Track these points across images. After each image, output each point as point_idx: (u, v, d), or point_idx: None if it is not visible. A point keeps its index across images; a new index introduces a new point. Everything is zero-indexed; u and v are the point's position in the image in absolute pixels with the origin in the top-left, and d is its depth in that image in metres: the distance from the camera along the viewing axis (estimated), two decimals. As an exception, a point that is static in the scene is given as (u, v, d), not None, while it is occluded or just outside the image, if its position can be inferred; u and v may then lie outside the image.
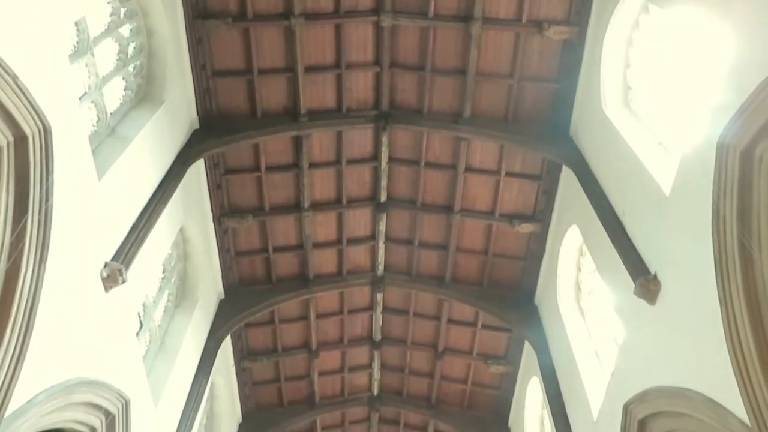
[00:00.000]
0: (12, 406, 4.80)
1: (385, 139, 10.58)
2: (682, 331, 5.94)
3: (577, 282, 10.22)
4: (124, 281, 6.71)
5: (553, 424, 9.81)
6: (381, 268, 12.19)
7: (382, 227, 11.66)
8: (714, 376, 5.27)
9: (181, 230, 9.65)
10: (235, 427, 13.03)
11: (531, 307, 11.55)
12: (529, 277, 11.58)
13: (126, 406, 7.02)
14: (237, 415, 13.11)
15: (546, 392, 10.27)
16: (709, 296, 5.24)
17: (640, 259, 6.88)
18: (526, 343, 11.67)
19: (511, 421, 13.16)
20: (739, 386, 4.73)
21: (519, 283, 11.78)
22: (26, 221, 4.99)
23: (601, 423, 8.04)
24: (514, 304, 11.64)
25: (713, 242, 5.09)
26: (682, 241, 6.01)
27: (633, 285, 6.70)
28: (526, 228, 10.95)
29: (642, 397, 6.58)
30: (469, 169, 10.71)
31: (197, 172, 9.83)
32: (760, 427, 4.56)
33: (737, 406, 4.87)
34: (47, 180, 5.23)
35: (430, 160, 10.88)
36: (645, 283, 6.52)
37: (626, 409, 6.89)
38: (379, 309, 12.81)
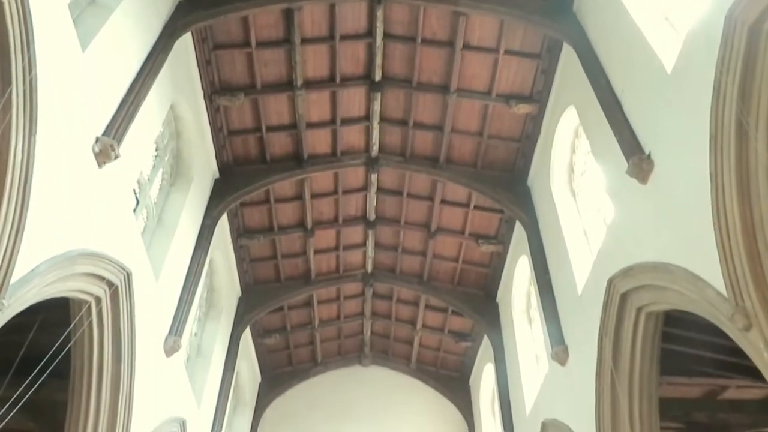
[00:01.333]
0: (16, 275, 4.96)
1: (380, 14, 10.11)
2: (671, 210, 6.06)
3: (571, 164, 10.26)
4: (117, 157, 6.69)
5: (539, 298, 10.28)
6: (375, 148, 12.14)
7: (377, 107, 11.47)
8: (697, 251, 5.45)
9: (172, 107, 9.46)
10: (235, 301, 13.60)
11: (524, 188, 11.68)
12: (523, 158, 11.61)
13: (128, 277, 7.26)
14: (236, 290, 13.63)
15: (534, 270, 10.65)
16: (700, 175, 5.30)
17: (635, 138, 6.85)
18: (517, 224, 11.92)
19: (499, 296, 13.76)
20: (720, 260, 4.91)
21: (513, 164, 11.82)
22: (11, 93, 4.88)
23: (585, 297, 8.42)
24: (507, 186, 11.75)
25: (711, 119, 5.05)
26: (679, 119, 5.96)
27: (626, 164, 6.73)
28: (522, 109, 10.79)
29: (626, 272, 6.84)
30: (467, 46, 10.34)
31: (185, 47, 9.46)
32: (736, 298, 4.79)
33: (716, 279, 5.09)
34: (28, 50, 5.05)
35: (426, 37, 10.47)
36: (638, 162, 6.55)
37: (610, 284, 7.19)
38: (374, 189, 12.93)
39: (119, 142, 6.76)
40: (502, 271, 13.39)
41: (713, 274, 5.14)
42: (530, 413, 10.96)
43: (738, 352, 6.64)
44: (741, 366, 8.24)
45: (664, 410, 7.79)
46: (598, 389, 7.68)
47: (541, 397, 10.39)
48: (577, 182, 10.07)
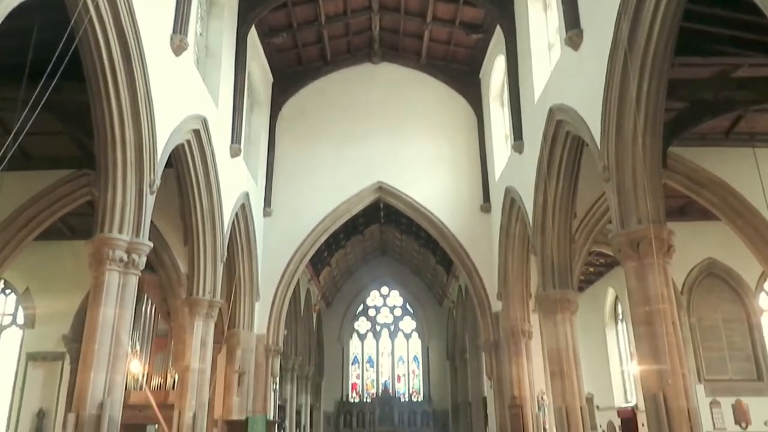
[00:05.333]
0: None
1: None
2: None
3: None
4: None
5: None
6: None
7: None
8: None
9: None
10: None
11: None
12: None
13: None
14: (235, -15, 12.89)
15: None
16: None
17: None
18: None
19: (515, -18, 12.91)
20: None
21: None
22: None
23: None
24: None
25: None
26: None
27: None
28: None
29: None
30: None
31: None
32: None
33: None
34: None
35: None
36: None
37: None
38: None
39: None
40: (518, -48, 12.32)
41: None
42: (538, 100, 11.20)
43: (758, 27, 6.44)
44: (759, 43, 8.08)
45: (671, 90, 7.87)
46: (610, 71, 7.67)
47: (551, 84, 10.48)
48: None
